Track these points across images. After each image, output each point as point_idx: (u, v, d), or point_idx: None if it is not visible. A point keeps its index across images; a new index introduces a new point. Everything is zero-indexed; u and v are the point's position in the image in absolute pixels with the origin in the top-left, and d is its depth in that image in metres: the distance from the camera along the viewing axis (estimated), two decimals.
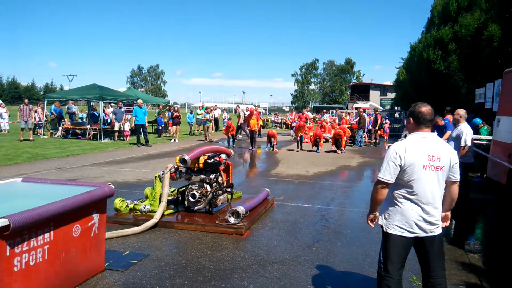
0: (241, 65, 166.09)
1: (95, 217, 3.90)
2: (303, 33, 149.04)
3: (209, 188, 6.04)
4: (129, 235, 5.23)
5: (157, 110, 21.57)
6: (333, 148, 16.44)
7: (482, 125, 11.34)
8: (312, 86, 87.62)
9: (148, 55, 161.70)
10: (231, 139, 17.60)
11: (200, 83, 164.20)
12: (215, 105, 28.80)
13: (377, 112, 22.07)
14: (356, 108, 29.64)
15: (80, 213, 3.66)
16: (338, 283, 4.05)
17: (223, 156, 6.51)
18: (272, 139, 16.74)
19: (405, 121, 16.81)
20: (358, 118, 20.26)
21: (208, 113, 21.72)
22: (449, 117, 9.60)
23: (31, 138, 16.68)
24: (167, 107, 22.10)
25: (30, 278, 3.13)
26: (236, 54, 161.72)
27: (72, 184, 4.39)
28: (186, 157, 5.85)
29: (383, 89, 59.99)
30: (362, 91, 60.75)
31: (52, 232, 3.33)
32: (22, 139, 16.40)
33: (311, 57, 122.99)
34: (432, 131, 3.13)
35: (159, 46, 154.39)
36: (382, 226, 3.14)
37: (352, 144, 19.85)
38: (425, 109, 3.02)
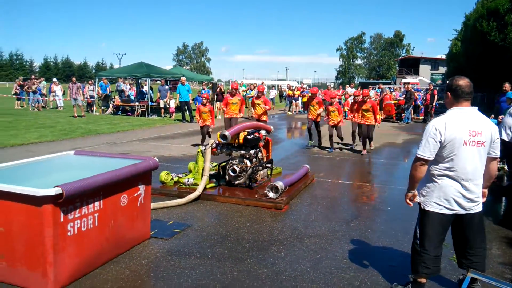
0: (285, 41, 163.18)
1: (141, 188, 4.14)
2: (348, 5, 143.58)
3: (249, 164, 6.17)
4: (173, 206, 5.49)
5: (200, 88, 21.93)
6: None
7: None
8: (358, 61, 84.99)
9: (193, 32, 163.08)
10: None
11: (244, 60, 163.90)
12: (262, 82, 28.77)
13: (432, 87, 21.04)
14: (405, 83, 28.51)
15: (127, 184, 3.89)
16: (374, 258, 4.06)
17: (263, 132, 6.59)
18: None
19: None
20: (406, 93, 19.50)
21: (251, 89, 21.78)
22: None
23: (77, 114, 17.37)
24: (210, 84, 22.39)
25: (82, 243, 3.42)
26: (280, 30, 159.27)
27: (120, 157, 4.66)
28: (226, 133, 5.99)
29: (434, 63, 57.02)
30: (411, 65, 58.06)
31: (101, 201, 3.59)
32: (75, 115, 17.33)
33: (357, 31, 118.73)
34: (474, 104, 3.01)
35: (204, 24, 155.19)
36: (419, 204, 3.11)
37: (398, 121, 19.25)
38: (463, 82, 2.91)
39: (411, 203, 3.14)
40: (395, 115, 19.80)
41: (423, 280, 3.13)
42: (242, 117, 11.04)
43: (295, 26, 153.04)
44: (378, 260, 4.03)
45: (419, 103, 20.57)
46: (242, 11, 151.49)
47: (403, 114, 19.26)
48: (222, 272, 3.68)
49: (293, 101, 23.88)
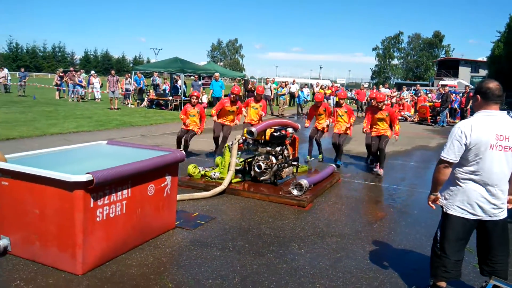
0: (319, 39, 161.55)
1: (168, 179, 4.28)
2: (386, 4, 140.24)
3: (274, 160, 6.22)
4: (199, 198, 5.63)
5: (233, 84, 22.13)
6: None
7: None
8: (395, 61, 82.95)
9: (228, 29, 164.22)
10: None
11: (277, 57, 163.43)
12: (293, 80, 28.71)
13: (468, 90, 20.36)
14: (442, 86, 27.66)
15: (154, 174, 4.04)
16: (396, 260, 4.03)
17: (290, 130, 6.62)
18: None
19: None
20: (442, 96, 18.93)
21: (282, 87, 21.78)
22: None
23: (116, 107, 18.07)
24: (242, 81, 22.55)
25: (110, 228, 3.59)
26: (315, 28, 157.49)
27: (149, 148, 4.83)
28: (253, 129, 6.06)
29: (475, 65, 54.93)
30: (450, 67, 56.16)
31: (129, 189, 3.74)
32: (112, 107, 17.92)
33: (395, 30, 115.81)
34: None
35: (239, 21, 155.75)
36: (442, 206, 3.07)
37: (433, 124, 18.73)
38: (493, 85, 2.84)
39: (433, 205, 3.11)
40: (430, 117, 19.27)
41: (443, 284, 3.08)
42: (275, 116, 10.91)
43: (330, 24, 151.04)
44: (399, 262, 4.00)
45: (456, 106, 19.92)
46: (277, 8, 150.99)
47: (439, 117, 18.72)
48: (242, 264, 3.77)
49: (325, 100, 23.64)
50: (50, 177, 3.26)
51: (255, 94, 8.81)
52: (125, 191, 3.70)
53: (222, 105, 8.72)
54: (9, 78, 25.89)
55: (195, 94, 8.57)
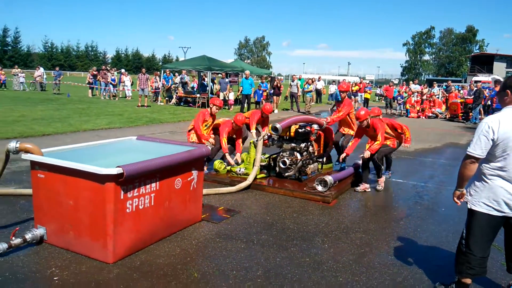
0: (347, 36, 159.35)
1: (194, 173, 4.40)
2: None
3: (299, 156, 6.25)
4: (224, 193, 5.73)
5: (259, 82, 22.20)
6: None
7: None
8: (426, 57, 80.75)
9: (255, 27, 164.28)
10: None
11: (305, 54, 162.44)
12: (319, 77, 28.53)
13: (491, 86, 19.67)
14: (476, 82, 26.79)
15: (181, 168, 4.17)
16: (421, 257, 4.00)
17: (315, 126, 6.62)
18: None
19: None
20: (475, 92, 18.35)
21: (309, 84, 21.68)
22: None
23: (141, 104, 18.44)
24: (269, 78, 22.57)
25: (139, 219, 3.73)
26: (342, 24, 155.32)
27: (176, 143, 4.97)
28: (278, 126, 6.11)
29: (511, 60, 52.74)
30: (484, 62, 54.13)
31: (157, 183, 3.88)
32: (139, 105, 18.34)
33: (426, 25, 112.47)
34: None
35: (267, 18, 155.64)
36: (467, 203, 3.03)
37: (465, 121, 18.20)
38: None
39: (458, 201, 3.07)
40: (461, 114, 18.74)
41: (468, 281, 3.05)
42: (302, 113, 10.80)
43: (358, 20, 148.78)
44: (424, 259, 3.97)
45: (490, 103, 19.26)
46: (304, 5, 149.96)
47: (471, 113, 18.18)
48: (266, 257, 3.84)
49: (352, 97, 23.40)
50: (83, 170, 3.43)
51: (262, 113, 7.19)
52: (153, 184, 3.84)
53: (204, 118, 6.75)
54: (44, 76, 26.95)
55: (217, 103, 6.82)
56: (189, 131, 6.86)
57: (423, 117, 19.93)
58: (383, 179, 6.42)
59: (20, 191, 5.27)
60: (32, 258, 3.62)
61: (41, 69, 27.14)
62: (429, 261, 3.93)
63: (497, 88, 15.86)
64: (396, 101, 22.44)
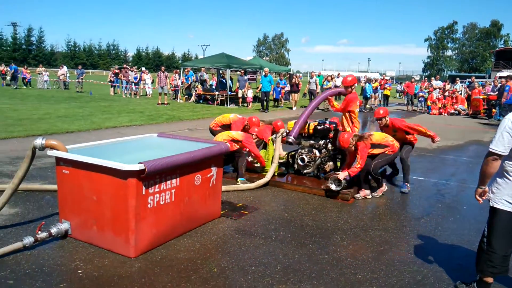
0: (368, 31, 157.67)
1: (213, 170, 4.45)
2: None
3: (317, 154, 6.24)
4: (243, 190, 5.78)
5: (278, 79, 22.16)
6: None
7: None
8: (449, 52, 78.95)
9: (274, 24, 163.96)
10: None
11: (324, 50, 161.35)
12: (338, 73, 28.29)
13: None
14: (500, 78, 26.04)
15: (200, 165, 4.22)
16: (441, 255, 3.96)
17: (334, 123, 6.59)
18: None
19: None
20: (499, 88, 17.85)
21: (328, 81, 21.53)
22: None
23: (166, 102, 18.71)
24: (288, 75, 22.52)
25: (160, 215, 3.81)
26: (363, 19, 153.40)
27: (196, 140, 5.03)
28: (291, 139, 6.09)
29: None
30: (509, 58, 52.35)
31: (178, 179, 3.95)
32: (159, 102, 18.57)
33: (448, 20, 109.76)
34: None
35: (285, 15, 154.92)
36: (489, 200, 2.99)
37: (488, 118, 17.76)
38: None
39: (480, 199, 3.03)
40: (483, 111, 18.29)
41: (490, 280, 3.01)
42: (321, 110, 10.59)
43: (379, 15, 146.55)
44: (445, 257, 3.92)
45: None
46: (324, 1, 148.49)
47: (494, 110, 17.73)
48: (284, 253, 3.86)
49: (372, 93, 23.16)
50: (106, 166, 3.51)
51: (272, 128, 6.72)
52: (174, 180, 3.90)
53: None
54: (68, 75, 27.57)
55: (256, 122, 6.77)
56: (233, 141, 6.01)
57: (445, 114, 19.55)
58: (383, 188, 5.87)
59: (46, 187, 5.43)
60: (57, 251, 3.74)
61: (65, 68, 27.77)
62: (450, 259, 3.89)
63: (510, 83, 15.41)
64: (417, 97, 22.08)
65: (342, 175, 5.48)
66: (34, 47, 69.83)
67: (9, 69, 28.21)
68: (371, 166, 5.57)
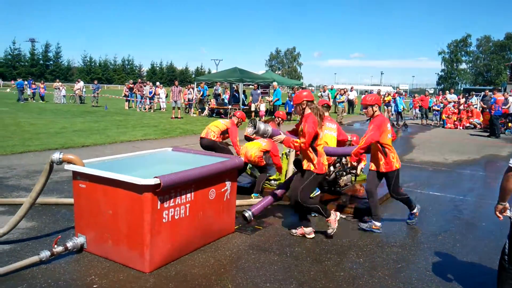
0: (380, 45, 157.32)
1: (228, 184, 4.45)
2: (451, 5, 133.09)
3: (332, 168, 6.19)
4: None
5: (290, 93, 22.23)
6: None
7: None
8: (463, 65, 78.21)
9: (286, 38, 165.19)
10: None
11: (337, 64, 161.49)
12: (351, 87, 28.27)
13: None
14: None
15: (215, 179, 4.23)
16: (461, 273, 3.86)
17: (349, 137, 6.54)
18: None
19: None
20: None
21: (341, 94, 21.51)
22: None
23: (179, 116, 18.89)
24: (300, 89, 22.57)
25: (174, 229, 3.80)
26: (375, 33, 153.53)
27: (210, 154, 5.05)
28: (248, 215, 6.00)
29: None
30: None
31: (192, 193, 3.95)
32: (173, 116, 18.74)
33: (462, 33, 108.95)
34: None
35: (297, 29, 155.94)
36: (510, 217, 2.91)
37: (505, 132, 17.46)
38: None
39: (501, 216, 2.96)
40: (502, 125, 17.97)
41: None
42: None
43: (392, 28, 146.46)
44: (464, 275, 3.82)
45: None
46: (335, 15, 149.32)
47: (510, 124, 17.44)
48: (299, 270, 3.81)
49: (385, 107, 23.06)
50: (122, 180, 3.54)
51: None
52: (188, 195, 3.91)
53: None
54: (84, 90, 28.09)
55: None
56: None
57: (461, 128, 19.30)
58: (333, 218, 4.52)
59: (62, 201, 5.49)
60: (72, 265, 3.76)
61: (81, 83, 28.31)
62: (470, 277, 3.79)
63: (496, 95, 16.17)
64: (431, 111, 21.87)
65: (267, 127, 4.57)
66: (51, 62, 71.45)
67: (27, 84, 28.92)
68: (297, 194, 4.39)
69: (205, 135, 6.88)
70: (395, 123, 18.98)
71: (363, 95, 6.47)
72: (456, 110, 20.41)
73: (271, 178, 6.56)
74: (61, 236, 4.14)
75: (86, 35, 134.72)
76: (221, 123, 7.09)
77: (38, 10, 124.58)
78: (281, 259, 4.05)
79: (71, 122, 15.20)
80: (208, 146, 6.73)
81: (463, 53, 76.79)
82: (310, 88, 28.13)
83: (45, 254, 3.67)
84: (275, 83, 18.51)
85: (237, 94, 21.59)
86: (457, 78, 77.33)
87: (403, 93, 24.07)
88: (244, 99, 21.73)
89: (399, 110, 19.81)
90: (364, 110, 5.19)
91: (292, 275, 3.70)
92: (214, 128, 6.94)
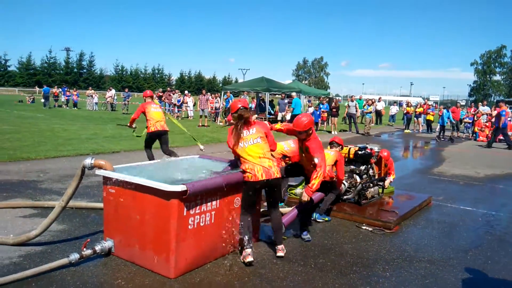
0: (410, 54, 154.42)
1: None
2: (486, 15, 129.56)
3: (358, 179, 6.11)
4: (282, 214, 5.70)
5: (317, 103, 22.14)
6: None
7: None
8: (497, 77, 75.82)
9: (314, 48, 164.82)
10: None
11: (365, 74, 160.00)
12: (379, 97, 27.90)
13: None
14: None
15: (240, 187, 4.24)
16: None
17: (376, 148, 6.46)
18: None
19: None
20: None
21: (369, 105, 21.24)
22: None
23: (206, 124, 19.11)
24: (327, 99, 22.42)
25: (199, 236, 3.84)
26: (405, 42, 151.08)
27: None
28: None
29: None
30: None
31: (218, 201, 3.98)
32: (200, 125, 18.97)
33: (495, 43, 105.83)
34: None
35: (325, 39, 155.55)
36: None
37: None
38: None
39: None
40: None
41: None
42: (361, 134, 10.52)
43: (422, 38, 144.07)
44: None
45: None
46: (363, 25, 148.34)
47: None
48: (324, 282, 3.76)
49: (415, 119, 22.62)
50: (150, 186, 3.61)
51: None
52: (214, 202, 3.94)
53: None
54: (115, 97, 28.91)
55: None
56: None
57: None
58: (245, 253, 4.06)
59: (92, 205, 5.65)
60: (100, 269, 3.84)
61: (113, 91, 29.16)
62: None
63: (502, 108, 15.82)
64: (463, 123, 21.26)
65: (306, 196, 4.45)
66: (85, 70, 74.05)
67: (61, 91, 30.04)
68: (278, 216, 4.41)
69: None
70: (435, 135, 18.51)
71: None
72: (489, 123, 19.77)
73: (299, 187, 6.52)
74: (90, 239, 4.24)
75: (119, 45, 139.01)
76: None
77: (73, 20, 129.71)
78: (305, 270, 4.01)
79: (101, 128, 15.64)
80: None
81: (496, 64, 74.52)
82: (337, 97, 27.75)
83: (75, 256, 3.77)
84: (293, 93, 18.57)
85: (263, 104, 21.68)
86: (490, 89, 75.04)
87: (417, 105, 23.46)
88: (271, 109, 21.81)
89: (444, 124, 18.93)
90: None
91: (317, 287, 3.65)
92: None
